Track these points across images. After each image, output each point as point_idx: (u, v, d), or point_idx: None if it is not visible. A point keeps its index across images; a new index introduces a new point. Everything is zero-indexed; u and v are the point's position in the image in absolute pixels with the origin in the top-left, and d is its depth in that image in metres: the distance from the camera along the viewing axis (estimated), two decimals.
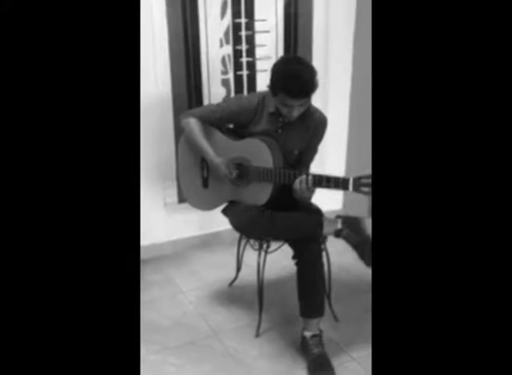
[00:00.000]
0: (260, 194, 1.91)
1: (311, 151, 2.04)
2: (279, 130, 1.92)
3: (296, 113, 1.81)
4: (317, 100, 1.84)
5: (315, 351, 1.84)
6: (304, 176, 1.76)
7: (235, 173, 1.93)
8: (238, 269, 2.36)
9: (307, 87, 1.71)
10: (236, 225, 1.97)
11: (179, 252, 2.72)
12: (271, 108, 1.89)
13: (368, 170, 1.63)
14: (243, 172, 1.93)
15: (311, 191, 1.80)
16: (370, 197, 1.89)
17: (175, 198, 2.65)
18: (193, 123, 1.96)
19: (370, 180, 1.64)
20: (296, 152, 1.97)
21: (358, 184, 1.66)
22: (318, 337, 1.88)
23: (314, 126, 1.96)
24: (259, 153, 1.88)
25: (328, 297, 2.13)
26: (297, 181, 1.76)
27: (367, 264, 1.82)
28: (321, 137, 2.02)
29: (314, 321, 1.88)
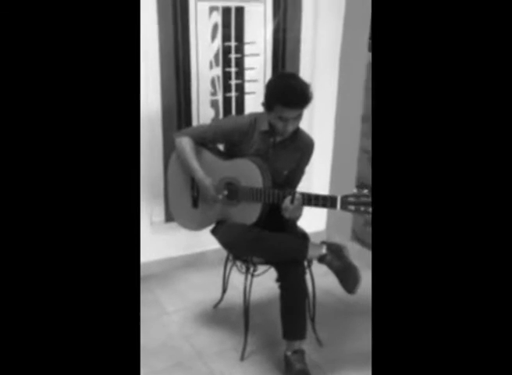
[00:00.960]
0: (249, 213, 1.93)
1: (299, 172, 2.08)
2: (270, 150, 1.95)
3: (291, 127, 1.85)
4: (303, 120, 1.90)
5: (297, 366, 1.86)
6: (292, 195, 1.79)
7: (223, 194, 1.95)
8: (224, 290, 2.37)
9: (303, 98, 1.78)
10: (224, 241, 1.99)
11: (165, 272, 2.71)
12: (263, 127, 1.93)
13: (354, 189, 1.70)
14: (233, 192, 1.95)
15: (300, 210, 1.82)
16: (356, 216, 1.94)
17: (162, 217, 2.65)
18: (184, 142, 1.99)
19: (356, 199, 1.69)
20: (285, 173, 2.01)
21: (346, 202, 1.70)
22: (300, 353, 1.90)
23: (303, 147, 2.01)
24: (248, 173, 1.91)
25: (312, 320, 2.15)
26: (287, 200, 1.79)
27: (347, 291, 1.85)
28: (308, 159, 2.06)
29: (296, 343, 1.90)
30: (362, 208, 1.69)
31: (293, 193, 1.79)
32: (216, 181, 1.97)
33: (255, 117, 1.97)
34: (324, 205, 1.75)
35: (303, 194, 1.78)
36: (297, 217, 1.89)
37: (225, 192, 1.95)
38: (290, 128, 1.86)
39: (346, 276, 1.85)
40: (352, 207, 1.70)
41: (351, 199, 1.69)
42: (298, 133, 1.98)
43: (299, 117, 1.86)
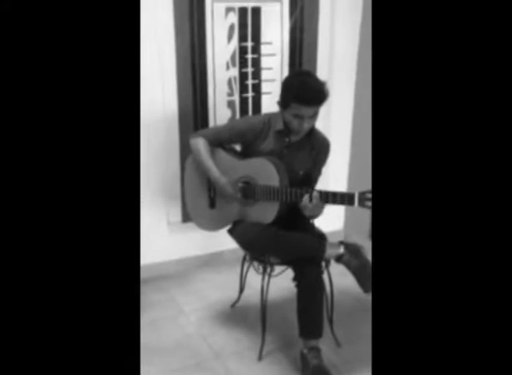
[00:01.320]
0: (266, 212, 1.93)
1: (316, 172, 2.07)
2: (285, 150, 1.95)
3: (306, 126, 1.85)
4: (320, 120, 1.90)
5: (314, 362, 1.85)
6: (310, 193, 1.78)
7: (240, 192, 1.95)
8: (241, 290, 2.37)
9: (319, 95, 1.78)
10: (241, 240, 2.00)
11: (182, 272, 2.73)
12: (278, 126, 1.93)
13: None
14: (250, 191, 1.95)
15: (321, 207, 1.81)
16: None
17: (179, 217, 2.67)
18: (200, 144, 2.00)
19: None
20: (301, 173, 2.00)
21: (363, 199, 1.69)
22: (316, 350, 1.89)
23: (318, 147, 2.00)
24: (265, 172, 1.90)
25: (330, 321, 2.14)
26: (305, 198, 1.78)
27: (365, 291, 1.84)
28: (325, 159, 2.05)
29: (312, 342, 1.90)
30: (369, 204, 1.67)
31: (311, 191, 1.78)
32: (233, 180, 1.97)
33: (269, 117, 1.97)
34: (342, 202, 1.74)
35: (320, 192, 1.78)
36: (317, 215, 1.89)
37: (243, 188, 1.95)
38: (306, 126, 1.85)
39: (364, 275, 1.83)
40: (370, 203, 1.68)
41: (368, 195, 1.68)
42: (313, 133, 1.97)
43: (315, 115, 1.85)
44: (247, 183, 1.96)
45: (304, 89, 1.78)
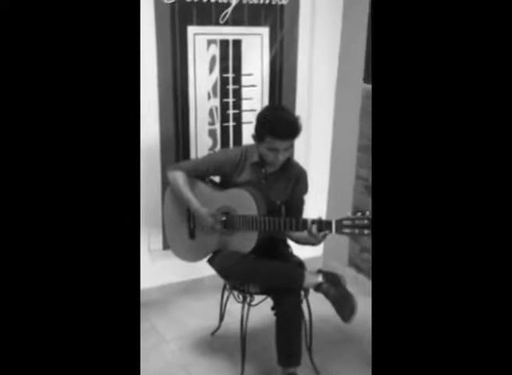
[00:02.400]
0: (245, 241, 1.97)
1: (297, 202, 2.11)
2: (262, 181, 2.00)
3: (281, 158, 1.90)
4: (298, 151, 1.95)
5: None
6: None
7: (220, 221, 1.99)
8: (221, 318, 2.39)
9: (293, 129, 1.84)
10: (221, 269, 2.03)
11: (163, 299, 2.73)
12: (254, 158, 1.98)
13: (349, 212, 1.75)
14: (229, 221, 1.99)
15: (318, 236, 1.82)
16: (351, 239, 1.96)
17: (160, 245, 2.68)
18: (178, 175, 2.04)
19: (351, 222, 1.74)
20: (278, 203, 2.05)
21: (340, 226, 1.75)
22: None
23: (295, 177, 2.06)
24: (243, 202, 1.95)
25: (309, 349, 2.16)
26: (314, 228, 1.80)
27: (344, 320, 1.88)
28: (305, 188, 2.11)
29: (291, 369, 1.93)
30: (357, 231, 1.73)
31: (319, 220, 1.81)
32: (212, 211, 2.01)
33: (246, 149, 2.04)
34: (319, 230, 1.79)
35: (297, 219, 1.84)
36: (317, 243, 1.89)
37: (223, 219, 1.99)
38: (281, 159, 1.91)
39: (343, 305, 1.87)
40: (347, 230, 1.74)
41: (346, 222, 1.74)
42: (290, 164, 2.03)
43: (290, 148, 1.91)
44: (226, 213, 2.00)
45: (278, 123, 1.84)
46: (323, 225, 1.78)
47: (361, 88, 2.70)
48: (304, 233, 1.86)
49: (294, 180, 2.06)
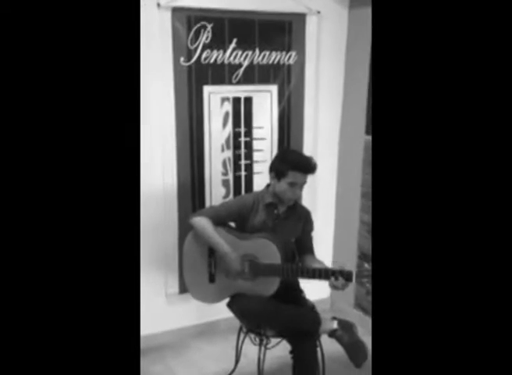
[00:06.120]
0: (267, 285, 2.11)
1: (308, 237, 2.29)
2: (276, 221, 2.17)
3: (299, 193, 2.12)
4: (306, 194, 2.14)
5: None
6: (339, 272, 1.97)
7: (246, 269, 2.13)
8: (237, 361, 2.48)
9: (312, 164, 2.07)
10: (242, 312, 2.14)
11: (179, 342, 2.82)
12: (267, 200, 2.16)
13: (366, 265, 1.91)
14: (253, 267, 2.13)
15: (339, 286, 1.97)
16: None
17: (176, 289, 2.80)
18: (204, 221, 2.16)
19: (359, 273, 1.93)
20: (292, 240, 2.23)
21: (360, 276, 1.91)
22: None
23: (303, 215, 2.26)
24: (267, 251, 2.10)
25: None
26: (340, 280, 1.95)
27: (357, 366, 2.00)
28: (311, 225, 2.30)
29: None
30: (365, 280, 1.90)
31: (340, 270, 1.96)
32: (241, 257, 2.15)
33: (258, 194, 2.23)
34: (340, 278, 1.95)
35: (320, 270, 2.01)
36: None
37: (247, 268, 2.13)
38: (299, 193, 2.11)
39: (355, 351, 2.00)
40: (365, 280, 1.95)
41: (366, 273, 1.93)
42: (296, 205, 2.23)
43: (304, 184, 2.11)
44: (251, 261, 2.14)
45: (300, 159, 2.09)
46: (344, 275, 1.94)
47: (363, 140, 2.90)
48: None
49: (303, 219, 2.25)
